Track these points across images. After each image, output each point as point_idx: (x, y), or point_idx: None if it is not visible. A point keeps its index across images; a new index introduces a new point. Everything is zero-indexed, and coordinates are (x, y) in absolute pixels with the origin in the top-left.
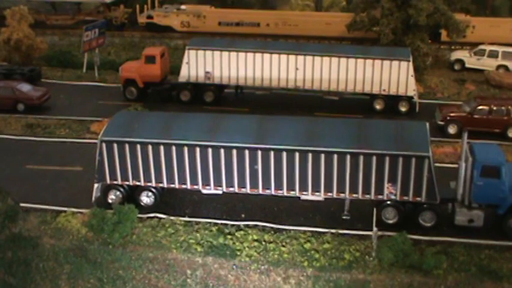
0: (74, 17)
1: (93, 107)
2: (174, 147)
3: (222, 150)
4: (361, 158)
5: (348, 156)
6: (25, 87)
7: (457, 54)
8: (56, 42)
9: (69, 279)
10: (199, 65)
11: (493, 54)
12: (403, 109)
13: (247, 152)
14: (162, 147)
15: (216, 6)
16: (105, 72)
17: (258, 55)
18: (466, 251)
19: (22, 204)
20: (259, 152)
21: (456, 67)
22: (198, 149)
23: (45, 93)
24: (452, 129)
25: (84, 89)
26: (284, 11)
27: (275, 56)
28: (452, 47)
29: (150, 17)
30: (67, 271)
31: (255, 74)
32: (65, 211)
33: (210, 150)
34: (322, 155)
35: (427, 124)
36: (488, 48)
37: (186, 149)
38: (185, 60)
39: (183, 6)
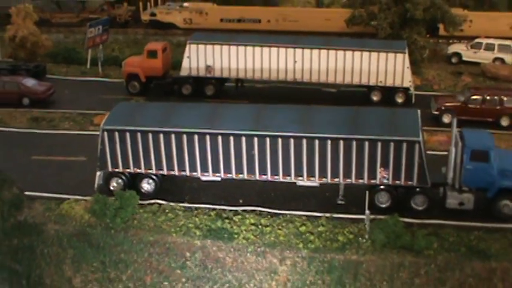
0: (78, 15)
1: (96, 101)
2: (173, 135)
3: (220, 138)
4: (354, 143)
5: (341, 142)
6: (30, 82)
7: (454, 48)
8: (61, 39)
9: (73, 263)
10: (200, 58)
11: (490, 47)
12: (399, 100)
13: (244, 139)
14: (161, 135)
15: (217, 3)
16: (109, 68)
17: (258, 49)
18: (456, 233)
19: (28, 193)
20: (256, 139)
21: (453, 60)
22: (196, 137)
23: (50, 88)
24: (447, 119)
25: (88, 84)
26: (285, 7)
27: (274, 50)
28: (450, 41)
29: (153, 14)
30: (71, 255)
31: (255, 67)
32: (68, 198)
33: (208, 137)
34: (317, 141)
35: (419, 111)
36: (485, 41)
37: (185, 136)
38: (186, 54)
39: (185, 4)
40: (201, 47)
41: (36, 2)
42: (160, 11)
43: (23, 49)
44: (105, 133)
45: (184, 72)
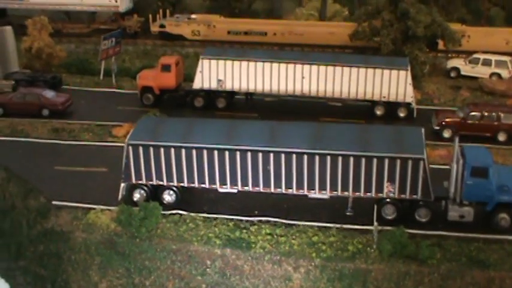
0: (89, 25)
1: (112, 112)
2: (194, 150)
3: (238, 153)
4: (363, 160)
5: (352, 159)
6: (49, 94)
7: (453, 63)
8: (72, 49)
9: (99, 270)
10: (212, 73)
11: (487, 63)
12: (401, 114)
13: (260, 154)
14: (183, 151)
15: (224, 15)
16: (121, 79)
17: (267, 64)
18: (457, 244)
19: (54, 202)
20: (271, 155)
21: (452, 74)
22: (216, 152)
23: (68, 99)
24: (447, 134)
25: (103, 95)
26: (289, 20)
27: (283, 66)
28: (449, 55)
29: (162, 26)
30: (97, 262)
31: (264, 82)
32: (94, 208)
33: (227, 153)
34: (328, 157)
35: (423, 129)
36: (482, 56)
37: (205, 152)
38: (199, 69)
39: (193, 16)
40: (213, 62)
41: (45, 13)
42: (169, 22)
43: (38, 60)
44: (130, 147)
45: (196, 85)
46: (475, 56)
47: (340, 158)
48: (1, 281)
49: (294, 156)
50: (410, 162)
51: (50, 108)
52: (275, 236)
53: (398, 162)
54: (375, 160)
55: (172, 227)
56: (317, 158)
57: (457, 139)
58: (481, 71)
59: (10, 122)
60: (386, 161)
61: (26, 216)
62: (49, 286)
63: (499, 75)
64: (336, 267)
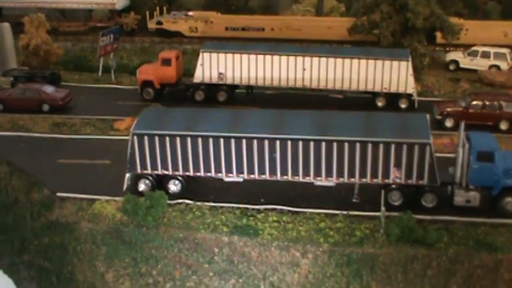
0: (85, 23)
1: (112, 107)
2: (200, 139)
3: (244, 141)
4: (370, 146)
5: (358, 145)
6: (49, 89)
7: (452, 55)
8: (69, 47)
9: (105, 260)
10: (213, 66)
11: (486, 55)
12: (403, 106)
13: (266, 142)
14: (189, 139)
15: (221, 12)
16: (120, 75)
17: (268, 57)
18: (464, 228)
19: (58, 194)
20: (278, 142)
21: (451, 67)
22: (222, 140)
23: (68, 94)
24: (449, 123)
25: (102, 91)
26: (287, 16)
27: (284, 58)
28: (447, 49)
29: (159, 23)
30: (104, 252)
31: (265, 74)
32: (99, 199)
33: (233, 141)
34: (335, 144)
35: (428, 116)
36: (481, 49)
37: (211, 140)
38: (199, 62)
39: (190, 13)
40: (214, 55)
41: (42, 11)
42: (166, 19)
43: (36, 57)
44: (135, 137)
45: (197, 79)
46: (474, 48)
47: (346, 144)
48: (4, 276)
49: (301, 143)
50: (416, 148)
51: (50, 104)
52: (282, 223)
53: (404, 147)
54: (381, 145)
55: (179, 215)
56: (323, 144)
57: (462, 124)
58: (480, 64)
59: (10, 117)
60: (393, 147)
61: (29, 209)
62: (54, 279)
63: (498, 67)
64: (344, 252)
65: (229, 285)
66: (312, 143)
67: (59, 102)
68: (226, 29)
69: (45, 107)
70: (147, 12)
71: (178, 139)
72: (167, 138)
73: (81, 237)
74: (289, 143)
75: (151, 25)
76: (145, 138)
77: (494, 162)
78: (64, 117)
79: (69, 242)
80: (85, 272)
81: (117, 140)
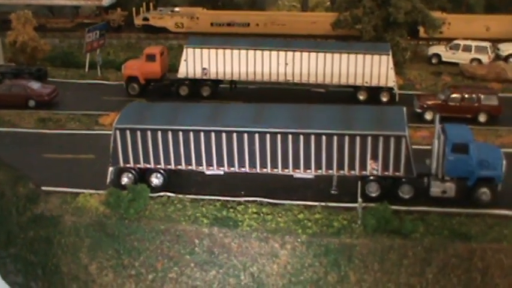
0: (73, 20)
1: (98, 102)
2: (181, 133)
3: (224, 135)
4: (347, 138)
5: (335, 137)
6: (35, 85)
7: (434, 49)
8: (57, 44)
9: (89, 252)
10: (197, 62)
11: (467, 49)
12: (384, 99)
13: (246, 135)
14: (170, 133)
15: (207, 8)
16: (106, 71)
17: (251, 52)
18: (439, 218)
19: (43, 188)
20: (257, 135)
21: (433, 61)
22: (202, 134)
23: (54, 90)
24: (428, 116)
25: (88, 86)
26: (272, 11)
27: (266, 53)
28: (430, 43)
29: (146, 19)
30: (87, 244)
31: (248, 69)
32: (83, 192)
33: (213, 134)
34: (312, 137)
35: (404, 108)
36: (463, 43)
37: (191, 134)
38: (183, 57)
39: (176, 9)
40: (197, 50)
41: (30, 8)
42: (153, 15)
43: (23, 54)
44: (118, 131)
45: (181, 74)
46: (456, 42)
47: (324, 137)
48: None
49: (279, 136)
50: (392, 140)
51: (36, 99)
52: (261, 215)
53: (381, 139)
54: (358, 138)
55: (161, 208)
56: (301, 137)
57: (437, 116)
58: (462, 57)
59: None
60: (369, 139)
61: (15, 203)
62: (40, 271)
63: (479, 61)
64: (322, 243)
65: (210, 276)
66: (290, 136)
67: (45, 98)
68: (212, 24)
69: (31, 103)
70: (134, 9)
71: (159, 133)
72: (149, 133)
73: (65, 230)
74: (267, 136)
75: (138, 21)
76: (128, 132)
77: (469, 154)
78: (50, 113)
79: (54, 235)
80: (69, 264)
81: (102, 134)
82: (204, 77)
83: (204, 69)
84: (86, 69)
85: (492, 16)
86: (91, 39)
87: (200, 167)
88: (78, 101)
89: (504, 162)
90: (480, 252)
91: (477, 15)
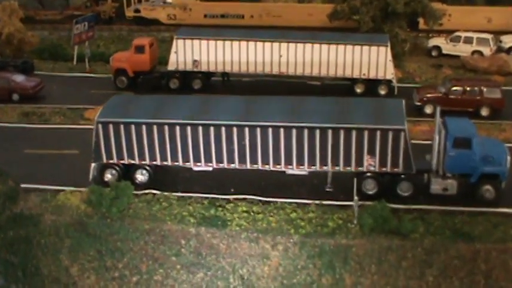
0: (62, 12)
1: (85, 96)
2: (166, 127)
3: (212, 129)
4: (342, 132)
5: (330, 131)
6: (19, 78)
7: (434, 41)
8: (46, 36)
9: (70, 253)
10: (187, 53)
11: (468, 41)
12: (382, 92)
13: (235, 129)
14: (155, 127)
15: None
16: (95, 64)
17: (243, 43)
18: (440, 217)
19: (23, 185)
20: (247, 129)
21: (433, 53)
22: (189, 128)
23: (39, 83)
24: (428, 109)
25: (76, 80)
26: (268, 3)
27: (259, 44)
28: (430, 35)
29: (137, 10)
30: (68, 245)
31: (241, 61)
32: (63, 190)
33: (200, 128)
34: (306, 131)
35: (403, 101)
36: (464, 34)
37: (178, 128)
38: (173, 49)
39: (169, 0)
40: (188, 42)
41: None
42: (144, 7)
43: (9, 46)
44: (100, 125)
45: (171, 66)
46: (457, 34)
47: (317, 131)
48: None
49: (270, 130)
50: (390, 134)
51: (20, 93)
52: (252, 214)
53: (378, 133)
54: (354, 132)
55: (145, 206)
56: (294, 131)
57: (438, 109)
58: (463, 49)
59: None
60: (366, 133)
61: None
62: (20, 273)
63: (480, 53)
64: (316, 244)
65: (197, 278)
66: (282, 130)
67: (29, 91)
68: (205, 16)
69: (15, 97)
70: (125, 0)
71: (144, 127)
72: (133, 126)
73: (45, 230)
74: (258, 130)
75: (129, 13)
76: (110, 126)
77: (471, 149)
78: (34, 107)
79: (34, 235)
80: (50, 265)
81: (87, 129)
82: (195, 69)
83: (195, 61)
84: (74, 62)
85: (494, 8)
86: (79, 31)
87: (187, 163)
88: (65, 94)
89: (509, 157)
90: (484, 253)
91: (478, 7)
